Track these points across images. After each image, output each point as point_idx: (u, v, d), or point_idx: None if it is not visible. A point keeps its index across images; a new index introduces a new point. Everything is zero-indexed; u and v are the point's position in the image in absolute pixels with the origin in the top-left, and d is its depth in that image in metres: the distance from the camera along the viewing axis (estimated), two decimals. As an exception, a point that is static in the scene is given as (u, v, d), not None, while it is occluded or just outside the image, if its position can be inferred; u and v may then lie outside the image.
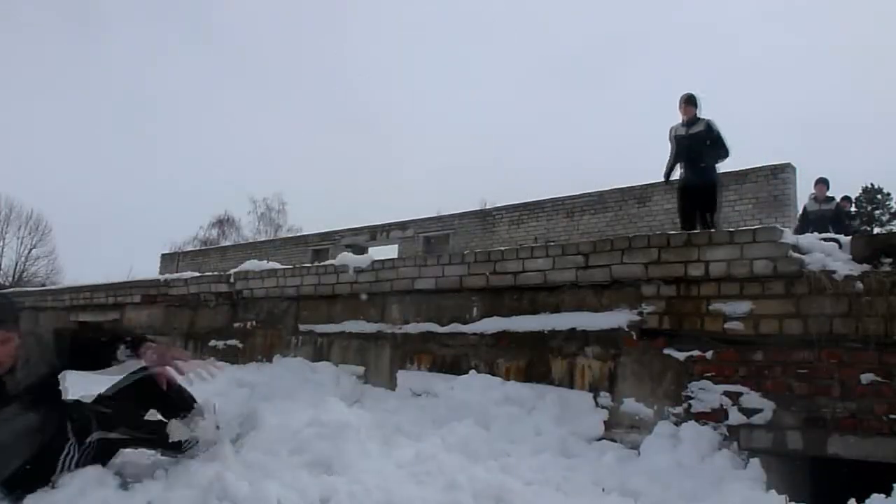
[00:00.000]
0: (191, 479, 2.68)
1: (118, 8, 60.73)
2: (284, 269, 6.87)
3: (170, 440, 2.85)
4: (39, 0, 55.94)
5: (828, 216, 9.41)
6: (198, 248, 30.34)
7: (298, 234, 24.00)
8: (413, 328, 5.58)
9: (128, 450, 2.89)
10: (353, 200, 49.82)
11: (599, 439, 4.17)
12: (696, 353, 4.06)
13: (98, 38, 58.35)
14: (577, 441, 4.10)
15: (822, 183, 9.76)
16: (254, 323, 6.93)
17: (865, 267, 3.67)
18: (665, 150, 7.49)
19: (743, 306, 3.93)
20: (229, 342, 7.09)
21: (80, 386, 3.03)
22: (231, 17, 62.64)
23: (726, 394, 3.90)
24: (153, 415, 2.98)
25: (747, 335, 3.90)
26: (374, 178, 57.72)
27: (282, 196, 38.71)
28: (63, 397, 2.89)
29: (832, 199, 9.73)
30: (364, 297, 6.00)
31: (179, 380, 2.92)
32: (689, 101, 7.23)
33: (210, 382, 5.65)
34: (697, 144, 7.11)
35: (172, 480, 2.72)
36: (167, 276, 8.66)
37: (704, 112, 7.27)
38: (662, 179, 7.61)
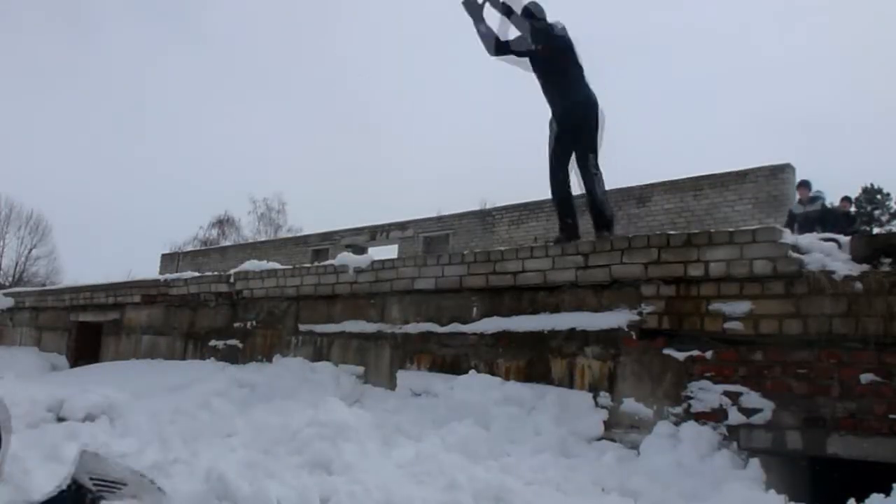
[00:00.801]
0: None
1: (118, 8, 60.73)
2: (284, 269, 6.87)
3: None
4: (39, 0, 55.93)
5: (813, 217, 9.36)
6: (198, 248, 30.33)
7: (298, 235, 24.00)
8: (413, 328, 5.58)
9: None
10: (353, 200, 49.80)
11: (599, 439, 4.17)
12: (695, 353, 4.06)
13: (98, 39, 58.38)
14: (577, 441, 4.10)
15: (804, 185, 9.75)
16: (254, 323, 6.93)
17: (865, 267, 3.67)
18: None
19: (743, 306, 3.93)
20: (229, 342, 7.10)
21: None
22: (231, 18, 62.66)
23: (726, 394, 3.90)
24: None
25: (747, 335, 3.90)
26: (374, 179, 57.70)
27: (282, 196, 38.67)
28: None
29: (816, 199, 9.66)
30: (363, 297, 6.01)
31: None
32: (527, 13, 5.36)
33: (210, 382, 5.66)
34: (555, 57, 5.22)
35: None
36: (167, 276, 8.66)
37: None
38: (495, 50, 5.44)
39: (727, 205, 12.74)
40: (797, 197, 9.94)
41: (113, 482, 2.19)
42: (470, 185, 57.56)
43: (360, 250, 14.35)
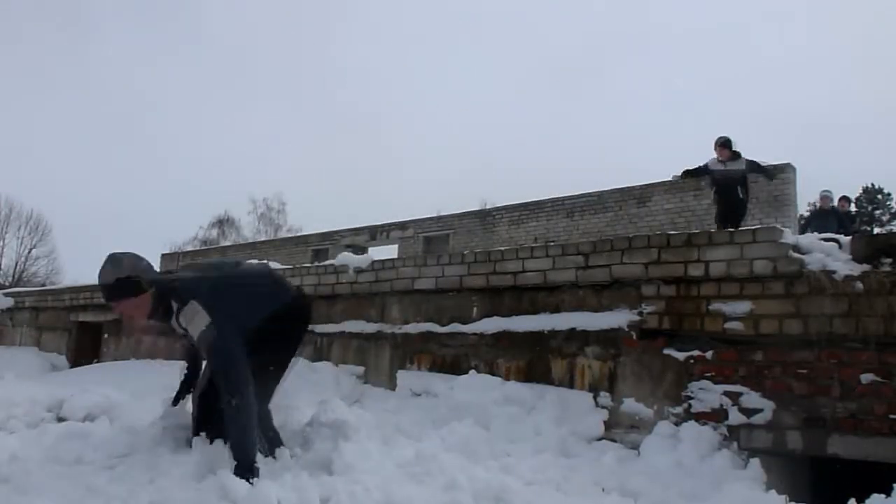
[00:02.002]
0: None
1: (118, 8, 60.71)
2: (284, 269, 6.86)
3: None
4: (38, 0, 55.92)
5: (736, 177, 8.41)
6: (198, 248, 30.31)
7: (298, 234, 23.98)
8: (413, 328, 5.58)
9: None
10: (353, 200, 49.81)
11: (599, 439, 4.17)
12: (696, 353, 4.06)
13: (98, 38, 58.37)
14: (577, 441, 4.10)
15: (724, 146, 8.43)
16: (254, 323, 6.92)
17: (865, 267, 3.67)
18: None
19: (743, 306, 3.92)
20: (229, 342, 7.08)
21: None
22: (232, 18, 62.66)
23: (726, 394, 3.90)
24: None
25: (747, 335, 3.89)
26: (374, 179, 57.75)
27: (282, 196, 38.69)
28: None
29: (739, 156, 8.43)
30: (363, 296, 6.00)
31: None
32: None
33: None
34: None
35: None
36: (167, 276, 8.63)
37: None
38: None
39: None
40: (715, 156, 8.52)
41: None
42: (470, 185, 57.57)
43: (360, 250, 14.35)
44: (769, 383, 3.80)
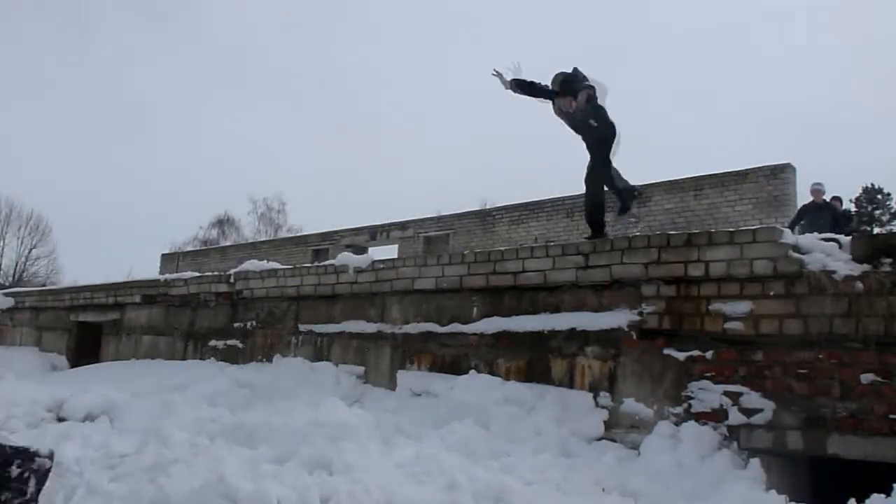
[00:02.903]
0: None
1: (118, 8, 60.73)
2: (284, 269, 6.87)
3: None
4: (38, 1, 55.93)
5: (577, 119, 5.87)
6: (198, 248, 30.32)
7: (298, 234, 24.00)
8: (413, 328, 5.58)
9: None
10: (353, 200, 49.83)
11: (599, 439, 4.17)
12: (696, 353, 4.06)
13: (98, 38, 58.38)
14: (577, 441, 4.10)
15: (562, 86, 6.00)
16: (254, 323, 6.93)
17: (865, 267, 3.67)
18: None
19: (743, 306, 3.93)
20: (229, 342, 7.09)
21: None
22: (231, 18, 62.66)
23: (726, 394, 3.90)
24: None
25: (747, 335, 3.90)
26: (374, 179, 57.73)
27: (282, 196, 38.70)
28: None
29: (576, 79, 6.02)
30: (363, 297, 6.00)
31: None
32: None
33: (210, 382, 5.66)
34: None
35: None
36: (167, 276, 8.66)
37: None
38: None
39: (727, 205, 12.73)
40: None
41: None
42: (470, 185, 57.59)
43: (360, 250, 14.34)
44: (769, 383, 3.80)
